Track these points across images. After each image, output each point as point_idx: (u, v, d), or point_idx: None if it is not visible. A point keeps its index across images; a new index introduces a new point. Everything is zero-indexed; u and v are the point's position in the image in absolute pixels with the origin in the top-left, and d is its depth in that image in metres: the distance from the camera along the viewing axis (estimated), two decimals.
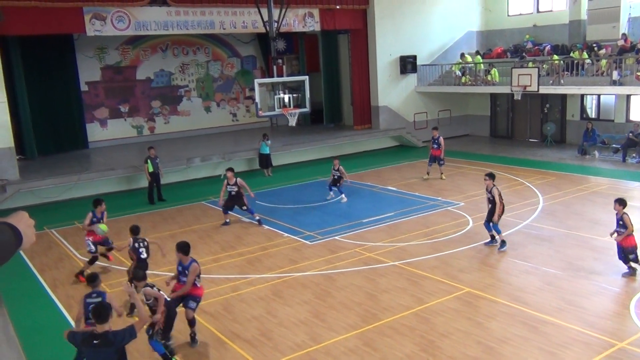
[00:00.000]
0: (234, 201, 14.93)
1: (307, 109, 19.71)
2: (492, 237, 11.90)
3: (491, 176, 11.74)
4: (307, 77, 19.52)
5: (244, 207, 14.95)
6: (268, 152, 21.80)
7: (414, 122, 27.74)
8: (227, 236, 14.02)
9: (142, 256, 10.08)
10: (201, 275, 9.09)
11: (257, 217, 14.86)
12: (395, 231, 13.53)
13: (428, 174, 18.59)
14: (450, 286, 10.16)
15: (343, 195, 17.05)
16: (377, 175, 20.47)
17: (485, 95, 28.20)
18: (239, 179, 15.49)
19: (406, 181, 19.32)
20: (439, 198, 16.55)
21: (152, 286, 7.72)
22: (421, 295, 9.80)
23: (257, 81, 18.37)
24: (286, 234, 13.72)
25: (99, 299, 7.34)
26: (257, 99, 18.36)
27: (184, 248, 8.44)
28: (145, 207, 17.21)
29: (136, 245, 10.11)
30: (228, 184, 15.24)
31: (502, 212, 11.57)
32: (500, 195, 11.53)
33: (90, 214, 11.21)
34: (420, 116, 27.83)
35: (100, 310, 6.11)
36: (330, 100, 28.74)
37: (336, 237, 13.20)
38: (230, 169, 15.45)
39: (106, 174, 19.82)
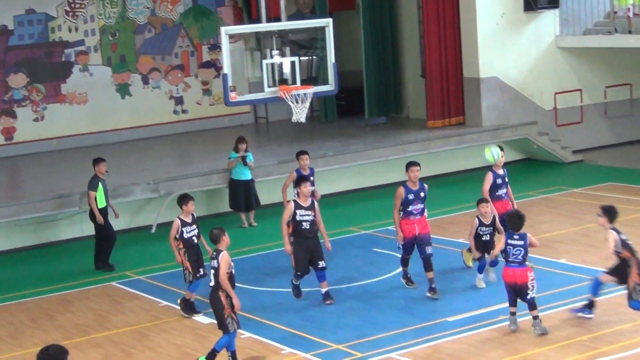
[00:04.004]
0: (197, 255, 15.95)
1: (330, 88, 19.82)
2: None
3: (609, 212, 14.11)
4: (330, 20, 19.64)
5: (201, 273, 15.81)
6: (249, 177, 21.98)
7: (555, 110, 27.85)
8: (161, 346, 14.33)
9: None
10: None
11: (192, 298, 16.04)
12: (516, 339, 13.84)
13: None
14: None
15: (484, 276, 16.44)
16: None
17: None
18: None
19: (542, 235, 19.27)
20: None
21: None
22: None
23: (225, 31, 18.53)
24: (287, 348, 14.19)
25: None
26: (226, 68, 18.51)
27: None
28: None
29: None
30: (183, 224, 15.80)
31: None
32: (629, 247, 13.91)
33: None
34: (569, 98, 28.02)
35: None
36: (378, 70, 28.90)
37: (392, 355, 13.61)
38: (187, 196, 16.16)
39: None
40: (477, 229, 16.03)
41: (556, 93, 27.66)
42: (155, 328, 15.43)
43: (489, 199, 16.56)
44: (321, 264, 15.79)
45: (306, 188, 15.70)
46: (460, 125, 27.00)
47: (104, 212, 19.08)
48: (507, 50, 26.79)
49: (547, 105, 27.55)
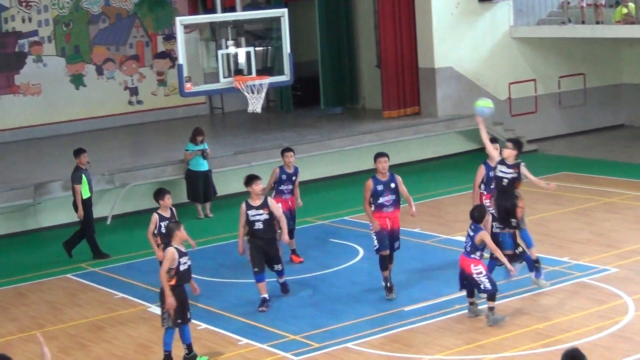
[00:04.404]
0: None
1: (286, 79, 19.82)
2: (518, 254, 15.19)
3: (519, 146, 15.18)
4: (285, 10, 19.61)
5: None
6: (206, 168, 21.93)
7: (510, 100, 28.01)
8: (123, 344, 14.33)
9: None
10: None
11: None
12: (472, 328, 13.97)
13: None
14: None
15: (537, 278, 15.44)
16: (435, 213, 20.53)
17: None
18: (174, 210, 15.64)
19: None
20: (566, 259, 16.74)
21: None
22: None
23: (180, 21, 18.47)
24: (244, 339, 14.21)
25: None
26: (181, 59, 18.44)
27: None
28: None
29: None
30: (162, 218, 15.23)
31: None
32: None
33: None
34: (523, 88, 28.23)
35: None
36: (333, 60, 28.91)
37: (349, 345, 13.67)
38: (162, 191, 15.51)
39: None
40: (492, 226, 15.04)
41: (510, 83, 27.81)
42: (110, 320, 15.36)
43: (478, 192, 16.06)
44: (277, 267, 15.46)
45: (257, 187, 15.15)
46: (416, 115, 27.10)
47: (88, 202, 18.98)
48: (462, 40, 26.90)
49: (502, 95, 27.69)
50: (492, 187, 15.85)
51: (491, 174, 15.73)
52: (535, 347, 12.97)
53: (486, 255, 14.43)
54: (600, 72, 29.29)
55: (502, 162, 15.01)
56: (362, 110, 29.52)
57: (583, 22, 26.42)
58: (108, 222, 21.78)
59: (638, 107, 29.48)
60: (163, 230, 14.88)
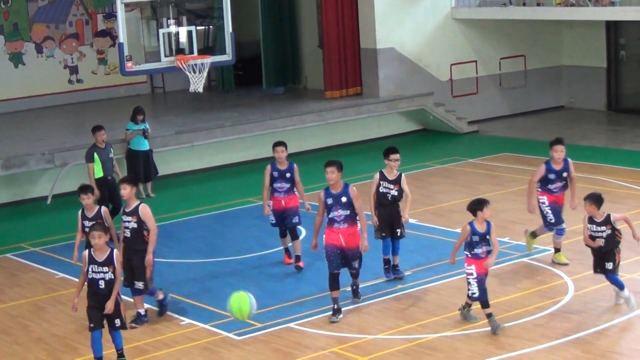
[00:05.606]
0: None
1: (228, 58, 19.80)
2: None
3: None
4: None
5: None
6: (148, 147, 21.84)
7: (451, 81, 28.26)
8: (60, 325, 14.32)
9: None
10: None
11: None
12: (414, 308, 14.09)
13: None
14: None
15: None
16: None
17: (596, 27, 28.85)
18: (103, 210, 14.39)
19: (438, 205, 19.57)
20: (506, 239, 16.94)
21: None
22: None
23: None
24: (186, 319, 14.28)
25: None
26: (122, 38, 18.34)
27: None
28: None
29: None
30: (84, 217, 14.30)
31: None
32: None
33: None
34: (464, 70, 28.42)
35: None
36: (275, 40, 28.88)
37: (292, 325, 13.78)
38: (80, 188, 14.64)
39: None
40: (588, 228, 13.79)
41: (452, 64, 27.96)
42: (51, 300, 15.31)
43: (533, 189, 15.65)
44: (138, 284, 13.81)
45: (123, 190, 13.76)
46: (358, 95, 27.15)
47: (103, 182, 18.54)
48: (404, 21, 26.97)
49: (443, 77, 27.85)
50: (547, 187, 15.48)
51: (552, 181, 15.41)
52: (476, 326, 13.10)
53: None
54: (541, 53, 29.56)
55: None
56: (304, 90, 29.54)
57: (524, 4, 26.69)
58: (48, 202, 21.60)
59: (577, 89, 29.82)
60: (86, 229, 13.63)
